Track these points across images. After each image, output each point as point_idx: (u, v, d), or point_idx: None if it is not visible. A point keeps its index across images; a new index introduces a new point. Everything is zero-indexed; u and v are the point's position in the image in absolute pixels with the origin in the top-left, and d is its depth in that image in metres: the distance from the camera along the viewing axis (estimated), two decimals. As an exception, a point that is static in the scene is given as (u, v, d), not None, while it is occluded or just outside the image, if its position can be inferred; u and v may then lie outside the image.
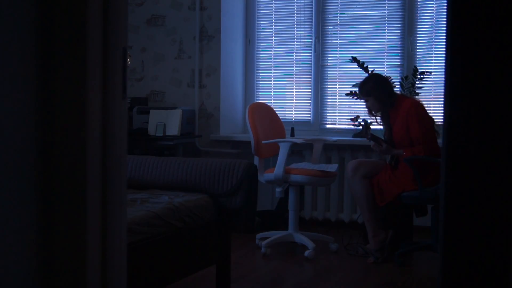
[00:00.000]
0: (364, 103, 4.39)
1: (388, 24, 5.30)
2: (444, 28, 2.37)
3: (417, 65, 5.07)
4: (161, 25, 5.62)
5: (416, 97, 4.85)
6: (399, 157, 4.19)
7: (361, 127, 4.40)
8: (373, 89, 4.24)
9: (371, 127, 4.37)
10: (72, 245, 1.68)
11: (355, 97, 5.05)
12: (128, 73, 2.82)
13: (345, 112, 5.42)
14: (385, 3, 5.30)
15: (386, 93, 4.25)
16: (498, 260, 1.43)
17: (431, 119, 4.25)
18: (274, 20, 5.65)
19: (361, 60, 4.95)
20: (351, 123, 5.00)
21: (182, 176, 3.20)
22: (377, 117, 4.41)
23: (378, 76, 4.43)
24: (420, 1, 5.22)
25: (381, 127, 4.48)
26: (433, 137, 4.17)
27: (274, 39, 5.65)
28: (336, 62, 5.47)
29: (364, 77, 4.51)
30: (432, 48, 5.18)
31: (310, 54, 5.51)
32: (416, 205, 4.32)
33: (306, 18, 5.51)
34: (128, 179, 3.23)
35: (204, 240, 3.10)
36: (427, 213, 4.35)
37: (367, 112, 4.42)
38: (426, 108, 4.31)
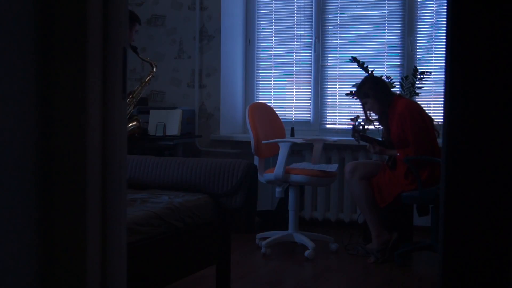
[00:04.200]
0: (362, 107, 4.37)
1: (388, 24, 5.30)
2: (444, 28, 2.37)
3: (417, 65, 5.07)
4: (161, 25, 5.62)
5: (415, 97, 4.86)
6: (396, 157, 4.19)
7: (361, 127, 4.41)
8: (370, 89, 4.24)
9: (371, 127, 4.37)
10: (72, 245, 1.68)
11: (355, 97, 5.05)
12: (128, 73, 2.82)
13: (345, 112, 5.42)
14: (385, 3, 5.30)
15: (384, 92, 4.26)
16: (498, 260, 1.43)
17: (426, 119, 4.20)
18: (274, 20, 5.65)
19: (361, 60, 4.95)
20: (351, 123, 5.00)
21: (182, 176, 3.20)
22: (375, 122, 4.41)
23: (373, 77, 4.48)
24: (420, 1, 5.22)
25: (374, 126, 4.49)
26: (428, 137, 4.14)
27: (274, 39, 5.65)
28: (336, 62, 5.47)
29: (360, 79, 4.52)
30: (432, 48, 5.18)
31: (310, 54, 5.51)
32: (418, 204, 4.32)
33: (306, 18, 5.51)
34: (128, 179, 3.23)
35: (204, 240, 3.10)
36: (429, 213, 4.35)
37: (364, 117, 4.41)
38: (423, 107, 4.31)
